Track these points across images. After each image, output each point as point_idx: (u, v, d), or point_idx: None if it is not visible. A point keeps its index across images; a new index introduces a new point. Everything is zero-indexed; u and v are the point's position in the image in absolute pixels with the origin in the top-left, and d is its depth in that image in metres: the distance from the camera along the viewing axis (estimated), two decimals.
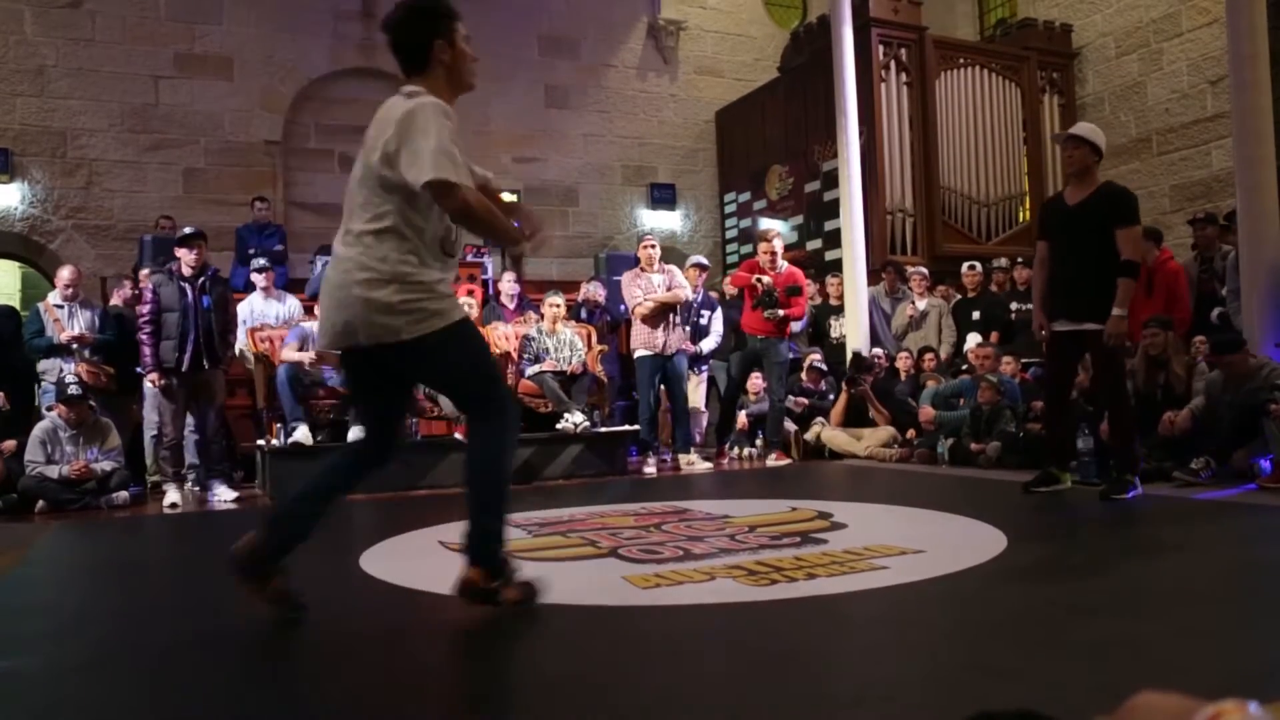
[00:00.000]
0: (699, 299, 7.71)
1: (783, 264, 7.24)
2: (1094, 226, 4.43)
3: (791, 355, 8.15)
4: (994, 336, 7.64)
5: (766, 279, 7.03)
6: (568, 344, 7.03)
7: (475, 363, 2.60)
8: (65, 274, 6.85)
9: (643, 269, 7.09)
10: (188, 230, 6.07)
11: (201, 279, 5.94)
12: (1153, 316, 5.72)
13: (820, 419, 7.54)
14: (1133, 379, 5.57)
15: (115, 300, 7.35)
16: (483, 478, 2.57)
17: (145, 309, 5.84)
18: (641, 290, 6.95)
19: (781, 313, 7.00)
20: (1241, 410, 4.89)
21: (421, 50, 2.57)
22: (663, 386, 7.14)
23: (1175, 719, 0.65)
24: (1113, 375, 4.57)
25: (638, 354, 7.01)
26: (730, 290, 8.19)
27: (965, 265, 8.53)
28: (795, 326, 7.60)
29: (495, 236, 2.69)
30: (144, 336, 5.81)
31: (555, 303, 7.17)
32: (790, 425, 7.49)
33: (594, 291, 8.37)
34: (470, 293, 6.85)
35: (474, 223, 2.49)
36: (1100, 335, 4.42)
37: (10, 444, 5.91)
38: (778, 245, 7.24)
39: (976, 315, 8.11)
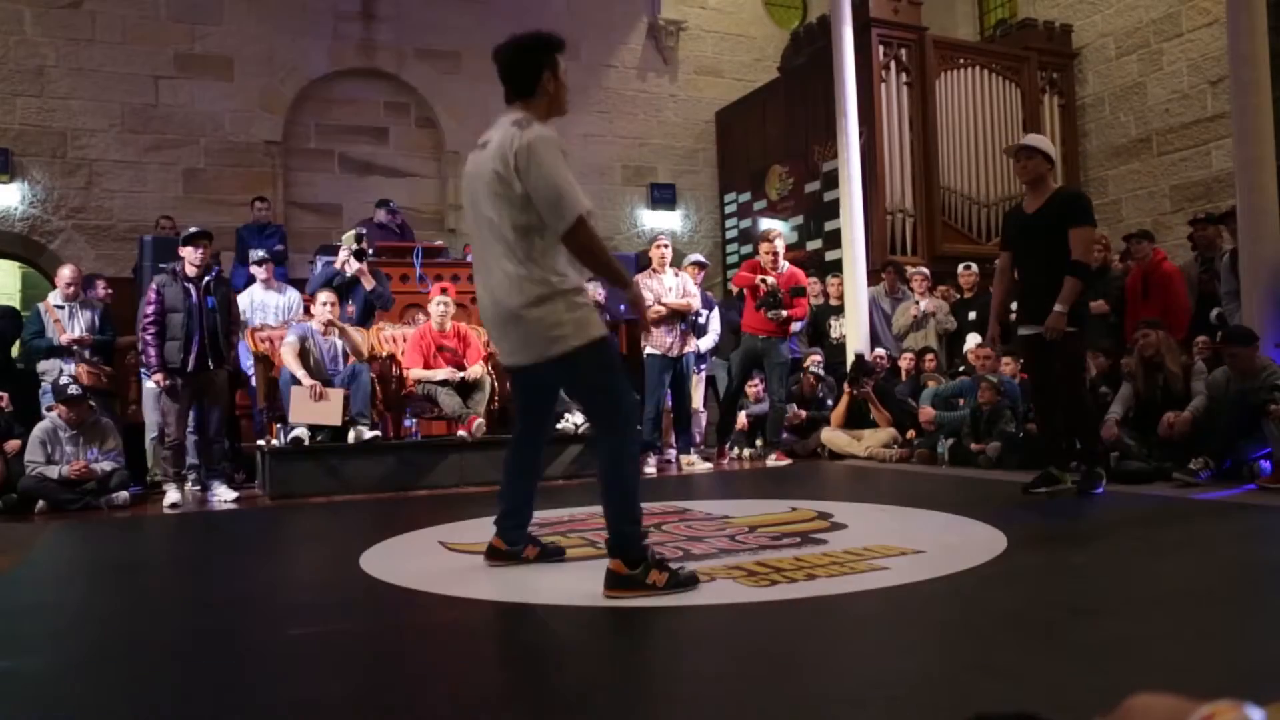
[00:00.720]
0: (699, 298, 7.70)
1: (784, 264, 7.23)
2: (1052, 232, 4.54)
3: (793, 356, 8.15)
4: None
5: (770, 279, 7.02)
6: None
7: (608, 379, 2.83)
8: (66, 273, 6.85)
9: (654, 270, 7.08)
10: (193, 229, 6.06)
11: (206, 279, 5.94)
12: (1143, 319, 5.75)
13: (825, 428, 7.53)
14: (1131, 382, 5.58)
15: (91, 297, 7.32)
16: (615, 487, 2.75)
17: (149, 309, 5.83)
18: (652, 293, 6.94)
19: (785, 313, 6.99)
20: (1244, 408, 4.90)
21: (530, 79, 2.82)
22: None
23: (1172, 719, 0.65)
24: (1071, 375, 4.67)
25: (647, 353, 7.00)
26: (732, 290, 8.18)
27: (961, 266, 8.54)
28: (796, 327, 7.59)
29: (609, 274, 2.86)
30: (148, 337, 5.80)
31: None
32: (787, 435, 7.49)
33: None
34: (444, 290, 6.77)
35: (593, 258, 2.73)
36: (1058, 338, 4.50)
37: (14, 444, 5.92)
38: (780, 245, 7.23)
39: (973, 316, 8.11)
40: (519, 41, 2.87)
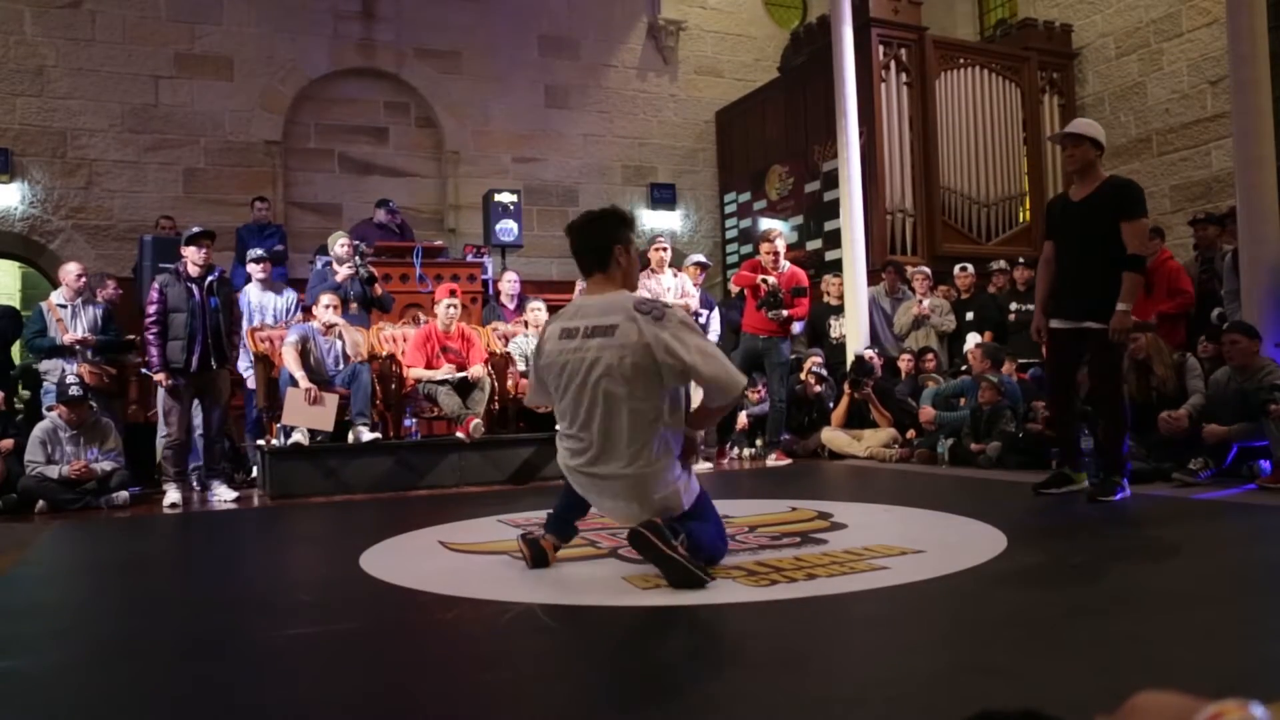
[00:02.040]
0: (698, 298, 7.71)
1: (785, 264, 7.23)
2: (1100, 221, 4.35)
3: (793, 357, 8.14)
4: (987, 336, 7.64)
5: (771, 279, 7.01)
6: None
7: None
8: (73, 267, 6.83)
9: (653, 270, 7.08)
10: (196, 229, 6.05)
11: (209, 279, 5.94)
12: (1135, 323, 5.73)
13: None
14: (1125, 386, 5.57)
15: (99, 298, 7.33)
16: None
17: (151, 309, 5.83)
18: (649, 293, 6.94)
19: (786, 313, 6.98)
20: (1245, 406, 4.90)
21: (604, 252, 2.98)
22: None
23: (1176, 719, 0.65)
24: (1110, 376, 4.49)
25: None
26: (732, 290, 8.17)
27: (957, 267, 8.55)
28: (797, 327, 7.57)
29: (703, 424, 3.12)
30: (150, 337, 5.80)
31: (537, 308, 7.33)
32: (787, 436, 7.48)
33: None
34: (452, 292, 6.77)
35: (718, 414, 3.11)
36: (1099, 334, 4.35)
37: (8, 443, 5.91)
38: (780, 245, 7.21)
39: (970, 316, 8.12)
40: (591, 217, 3.07)
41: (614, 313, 2.86)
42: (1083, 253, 4.44)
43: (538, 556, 3.11)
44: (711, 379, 2.81)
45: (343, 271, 7.12)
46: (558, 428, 3.05)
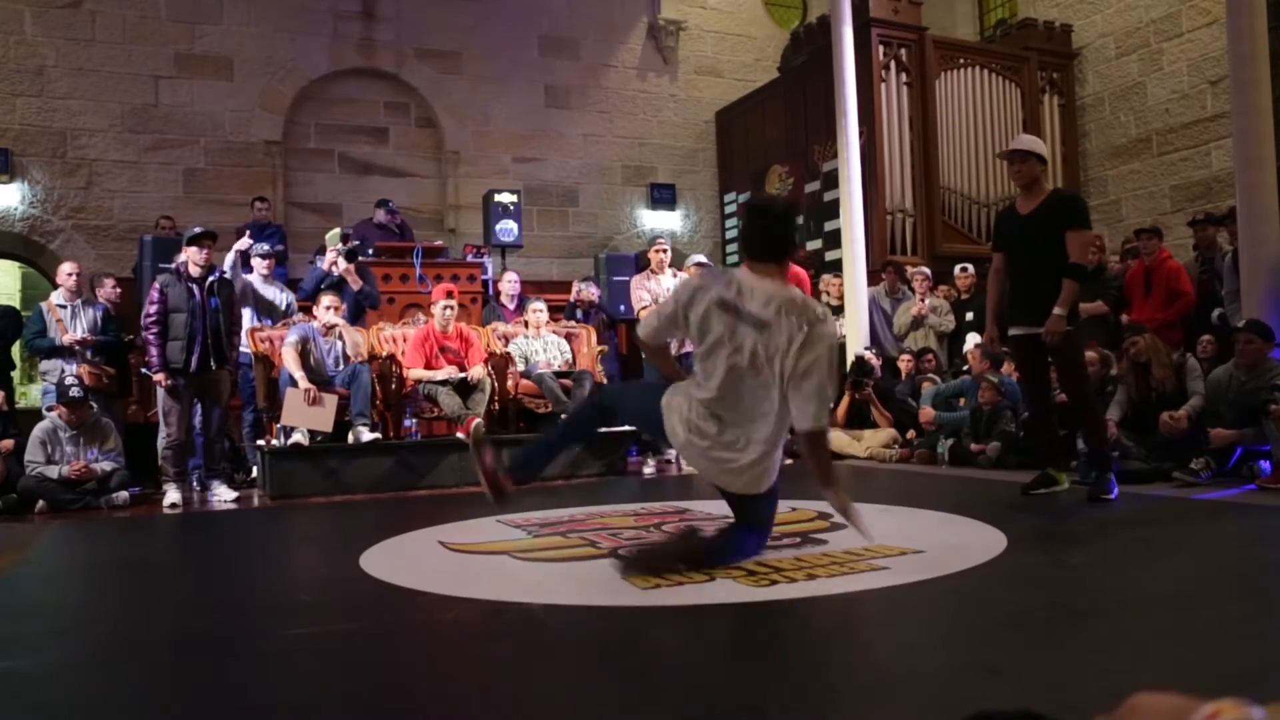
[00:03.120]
0: None
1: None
2: (1047, 233, 4.49)
3: None
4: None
5: None
6: (555, 347, 7.17)
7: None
8: (67, 267, 6.82)
9: (653, 272, 7.07)
10: (198, 230, 6.05)
11: (210, 280, 5.94)
12: (1130, 324, 5.75)
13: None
14: (1125, 387, 5.58)
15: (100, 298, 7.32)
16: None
17: (151, 309, 5.83)
18: (649, 294, 6.94)
19: None
20: (1246, 406, 4.90)
21: (787, 245, 3.06)
22: None
23: (1174, 718, 0.65)
24: (1074, 377, 4.62)
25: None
26: None
27: (958, 267, 8.55)
28: None
29: (823, 477, 3.05)
30: (150, 336, 5.80)
31: (538, 309, 7.32)
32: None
33: (586, 291, 8.35)
34: (449, 293, 6.75)
35: (820, 463, 3.02)
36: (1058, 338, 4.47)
37: (8, 443, 5.91)
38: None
39: (970, 316, 8.12)
40: (792, 209, 3.25)
41: (785, 310, 2.92)
42: (1032, 263, 4.58)
43: (495, 487, 3.21)
44: (802, 374, 2.88)
45: (327, 258, 7.09)
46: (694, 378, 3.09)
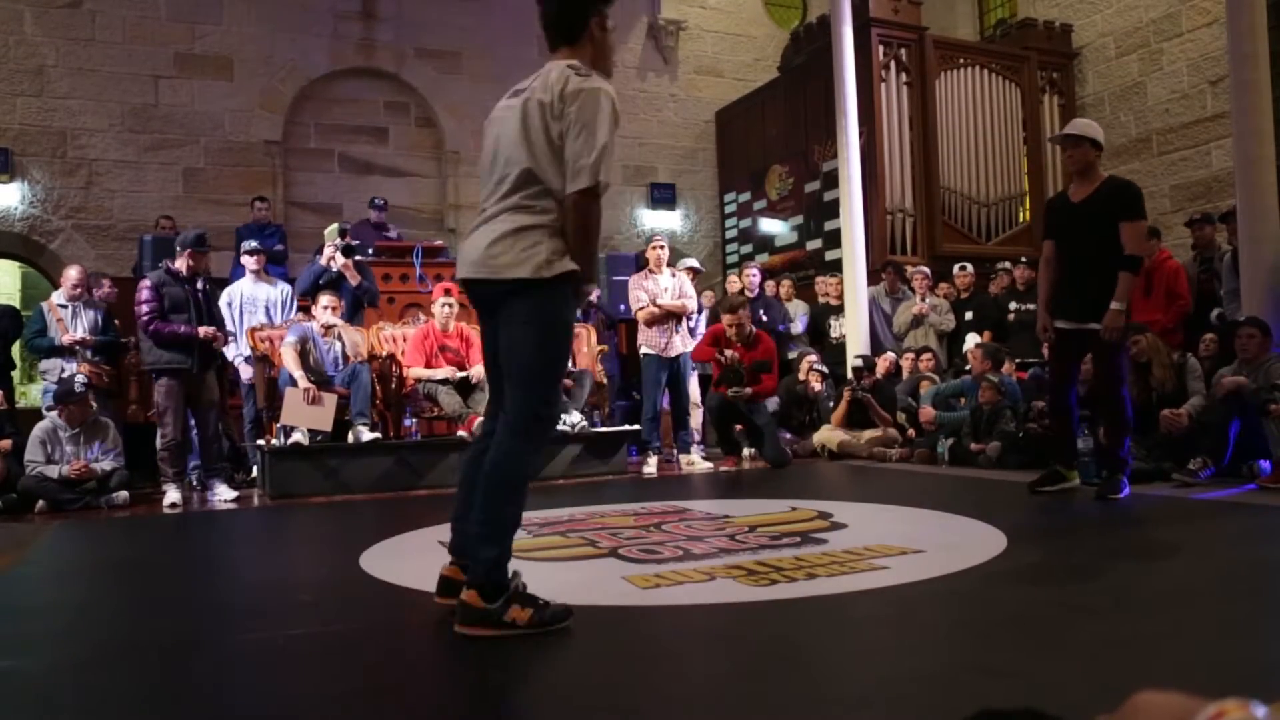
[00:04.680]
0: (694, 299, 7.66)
1: (751, 331, 6.98)
2: (1099, 222, 4.39)
3: (793, 354, 8.13)
4: (987, 336, 7.63)
5: (730, 353, 6.78)
6: None
7: (548, 347, 2.44)
8: (73, 274, 6.85)
9: (650, 270, 7.05)
10: (195, 233, 6.15)
11: (201, 282, 5.99)
12: (1131, 324, 5.74)
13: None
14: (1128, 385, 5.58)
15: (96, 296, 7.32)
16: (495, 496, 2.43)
17: (149, 306, 5.80)
18: (647, 293, 6.90)
19: (749, 391, 6.77)
20: (1245, 406, 4.90)
21: (579, 23, 2.54)
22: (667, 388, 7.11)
23: (1177, 718, 0.65)
24: (1112, 377, 4.53)
25: (644, 353, 6.97)
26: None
27: (957, 267, 8.55)
28: (771, 403, 7.21)
29: (586, 262, 2.47)
30: (159, 324, 5.76)
31: None
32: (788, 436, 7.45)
33: (590, 289, 8.32)
34: (448, 291, 6.72)
35: (585, 236, 2.42)
36: (1100, 334, 4.40)
37: (6, 443, 5.91)
38: (745, 317, 6.91)
39: (970, 316, 8.12)
40: None
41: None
42: (1083, 253, 4.48)
43: (444, 587, 2.58)
44: (566, 135, 2.41)
45: (325, 253, 7.08)
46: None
